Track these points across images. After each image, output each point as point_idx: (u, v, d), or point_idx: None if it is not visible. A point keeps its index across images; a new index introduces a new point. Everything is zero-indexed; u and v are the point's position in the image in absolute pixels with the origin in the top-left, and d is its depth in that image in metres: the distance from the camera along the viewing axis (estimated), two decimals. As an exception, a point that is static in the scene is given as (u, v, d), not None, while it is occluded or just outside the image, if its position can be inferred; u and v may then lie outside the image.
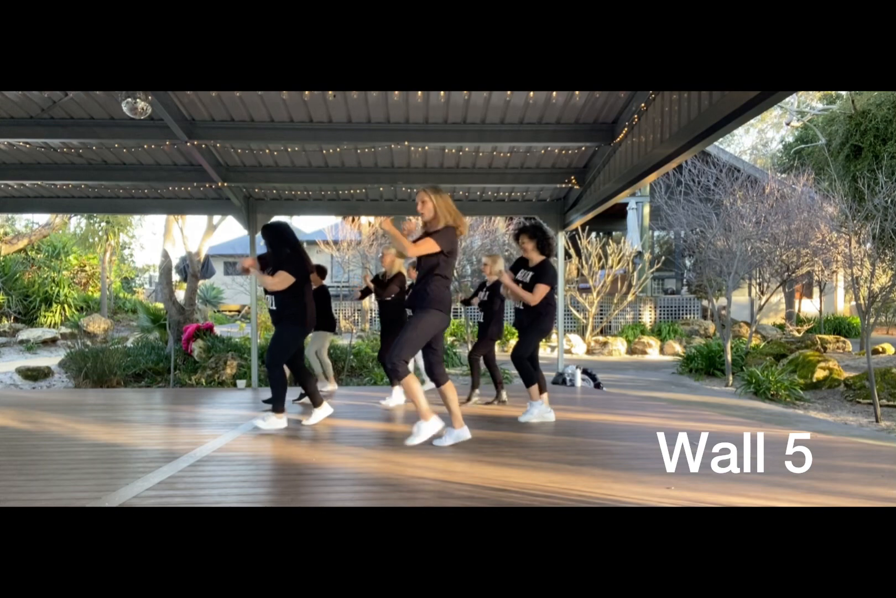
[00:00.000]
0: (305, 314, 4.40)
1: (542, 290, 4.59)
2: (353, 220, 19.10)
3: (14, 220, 20.27)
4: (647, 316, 16.64)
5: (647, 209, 17.83)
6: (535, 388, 4.72)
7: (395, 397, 5.70)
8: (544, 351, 14.57)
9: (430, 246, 3.62)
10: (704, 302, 16.50)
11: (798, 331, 14.46)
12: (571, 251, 15.05)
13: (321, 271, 6.38)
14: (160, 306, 12.17)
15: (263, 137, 6.43)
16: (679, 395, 9.27)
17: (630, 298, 15.69)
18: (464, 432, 3.86)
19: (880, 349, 11.69)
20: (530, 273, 4.70)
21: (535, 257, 4.75)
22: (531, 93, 5.70)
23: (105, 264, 17.70)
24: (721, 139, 16.17)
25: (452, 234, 3.70)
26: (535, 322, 4.70)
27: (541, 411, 4.73)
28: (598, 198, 6.92)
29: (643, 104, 5.42)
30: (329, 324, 6.32)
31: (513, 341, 14.43)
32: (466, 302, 5.98)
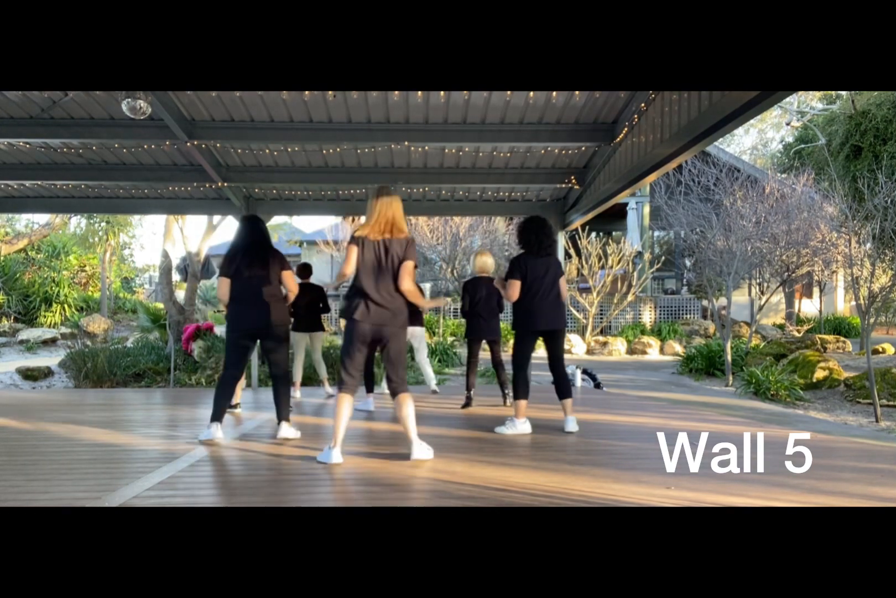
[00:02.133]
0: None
1: (509, 285, 4.41)
2: (353, 220, 19.10)
3: (14, 220, 20.27)
4: (647, 316, 16.64)
5: (647, 209, 17.84)
6: (521, 403, 4.41)
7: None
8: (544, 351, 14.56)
9: (349, 255, 3.54)
10: (704, 302, 16.50)
11: (798, 331, 14.45)
12: (571, 251, 15.05)
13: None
14: (160, 305, 12.17)
15: (263, 137, 6.43)
16: (679, 395, 9.27)
17: (630, 298, 15.68)
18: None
19: (880, 349, 11.69)
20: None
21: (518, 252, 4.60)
22: (531, 93, 5.69)
23: (105, 264, 17.70)
24: (721, 139, 16.18)
25: (352, 240, 3.58)
26: (514, 323, 4.54)
27: (520, 427, 4.44)
28: (598, 198, 6.92)
29: (643, 104, 5.42)
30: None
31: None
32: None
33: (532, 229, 4.57)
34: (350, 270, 3.53)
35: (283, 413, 4.24)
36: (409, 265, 3.51)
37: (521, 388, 4.42)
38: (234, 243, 4.38)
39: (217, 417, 4.12)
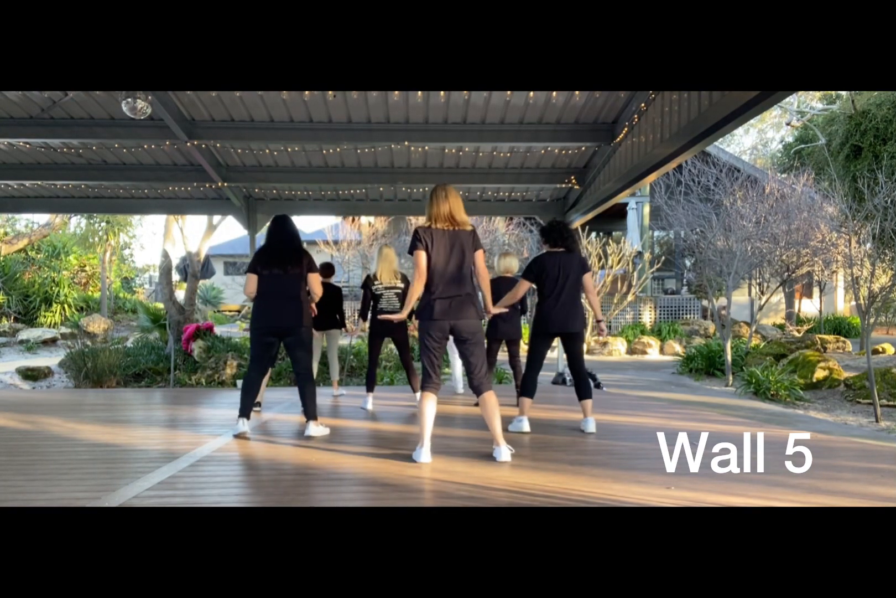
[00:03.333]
0: None
1: (519, 283, 4.48)
2: (353, 220, 19.11)
3: (14, 220, 20.27)
4: (647, 316, 16.64)
5: (647, 209, 17.83)
6: (524, 400, 4.42)
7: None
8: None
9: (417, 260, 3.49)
10: (704, 302, 16.50)
11: (798, 331, 14.45)
12: (571, 251, 15.02)
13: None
14: (160, 306, 12.16)
15: (263, 137, 6.43)
16: (679, 395, 9.27)
17: (630, 298, 15.68)
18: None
19: (880, 349, 11.69)
20: None
21: None
22: (531, 93, 5.70)
23: (105, 264, 17.70)
24: (721, 139, 16.17)
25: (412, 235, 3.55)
26: (532, 323, 4.55)
27: (515, 424, 4.44)
28: (598, 198, 6.93)
29: (643, 104, 5.43)
30: None
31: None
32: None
33: (550, 226, 4.58)
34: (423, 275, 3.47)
35: (309, 412, 4.23)
36: (480, 253, 3.55)
37: (527, 386, 4.43)
38: (265, 242, 4.44)
39: (242, 412, 4.19)
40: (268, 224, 4.51)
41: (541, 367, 4.53)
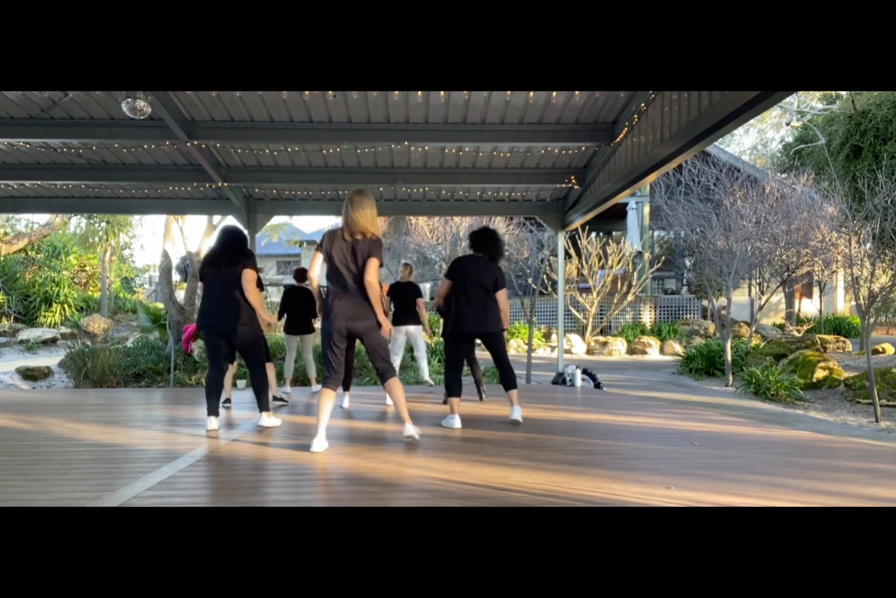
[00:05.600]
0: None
1: (441, 283, 4.73)
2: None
3: (14, 220, 20.26)
4: (647, 316, 16.64)
5: (647, 209, 17.83)
6: (452, 400, 4.56)
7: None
8: (544, 351, 14.57)
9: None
10: (704, 302, 16.50)
11: (798, 331, 14.45)
12: (571, 251, 15.05)
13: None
14: (160, 306, 12.17)
15: (263, 137, 6.44)
16: (679, 395, 9.28)
17: (630, 298, 15.68)
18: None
19: (880, 349, 11.69)
20: None
21: None
22: (531, 93, 5.70)
23: (105, 264, 17.70)
24: (721, 139, 16.17)
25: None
26: (451, 326, 4.67)
27: (447, 421, 4.57)
28: (598, 198, 6.93)
29: (643, 104, 5.43)
30: None
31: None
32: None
33: (478, 234, 4.81)
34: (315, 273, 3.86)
35: (260, 404, 4.50)
36: (373, 262, 3.73)
37: (451, 387, 4.57)
38: (211, 247, 4.63)
39: (210, 411, 4.37)
40: (217, 231, 4.67)
41: (461, 366, 4.67)
